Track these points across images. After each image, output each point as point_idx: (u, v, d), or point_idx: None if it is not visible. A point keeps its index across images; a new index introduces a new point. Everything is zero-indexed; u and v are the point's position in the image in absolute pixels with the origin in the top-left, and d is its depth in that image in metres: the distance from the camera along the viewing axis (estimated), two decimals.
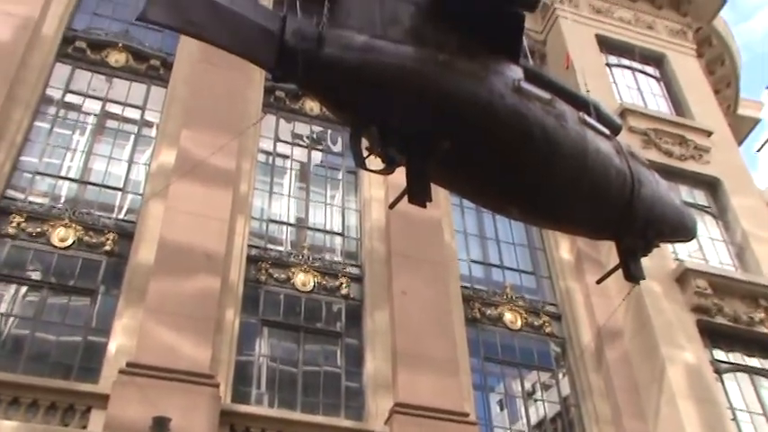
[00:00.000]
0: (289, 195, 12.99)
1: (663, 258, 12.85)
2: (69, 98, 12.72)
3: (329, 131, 14.12)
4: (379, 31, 5.10)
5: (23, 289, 10.38)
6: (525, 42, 6.10)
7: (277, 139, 13.65)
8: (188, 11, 4.69)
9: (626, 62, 17.78)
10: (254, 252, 11.68)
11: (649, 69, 17.94)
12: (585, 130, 5.62)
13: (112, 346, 9.86)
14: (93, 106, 12.79)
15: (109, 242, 10.93)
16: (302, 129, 14.02)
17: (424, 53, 5.06)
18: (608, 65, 17.39)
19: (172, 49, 13.76)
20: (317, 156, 13.87)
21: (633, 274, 6.25)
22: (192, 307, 10.03)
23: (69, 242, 10.75)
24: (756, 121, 23.64)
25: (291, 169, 13.47)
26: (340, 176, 13.63)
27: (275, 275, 11.53)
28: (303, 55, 4.91)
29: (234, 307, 10.75)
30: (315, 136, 14.03)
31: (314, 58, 4.95)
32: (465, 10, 5.12)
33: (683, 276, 12.95)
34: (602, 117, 6.13)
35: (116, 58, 13.39)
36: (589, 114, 5.91)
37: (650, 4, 18.73)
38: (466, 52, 5.19)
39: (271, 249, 11.95)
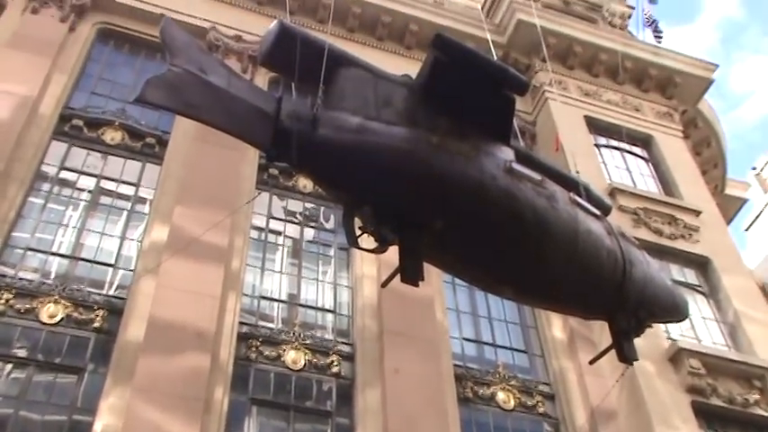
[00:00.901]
0: (281, 272, 12.94)
1: (656, 337, 12.76)
2: (64, 175, 12.79)
3: (322, 208, 14.19)
4: (373, 113, 5.21)
5: (8, 367, 10.15)
6: (516, 123, 6.23)
7: (270, 216, 13.70)
8: (186, 93, 4.78)
9: (614, 143, 18.08)
10: (244, 329, 11.54)
11: (637, 150, 18.23)
12: (576, 210, 5.69)
13: (98, 427, 9.59)
14: (88, 183, 12.86)
15: (98, 319, 10.79)
16: (295, 206, 14.10)
17: (417, 135, 5.16)
18: (597, 145, 17.68)
19: (168, 128, 13.95)
20: (309, 232, 13.90)
21: (626, 355, 6.22)
22: (181, 386, 9.84)
23: (58, 318, 10.60)
24: (743, 201, 23.95)
25: (284, 246, 13.47)
26: (332, 253, 13.62)
27: (266, 353, 11.36)
28: (297, 136, 5.00)
29: (223, 385, 10.54)
30: (307, 213, 14.08)
31: (308, 139, 5.04)
32: (457, 93, 5.25)
33: (677, 356, 12.83)
34: (592, 198, 6.21)
35: (112, 135, 13.57)
36: (579, 195, 5.99)
37: (637, 88, 19.21)
38: (458, 134, 5.29)
39: (262, 326, 11.82)
